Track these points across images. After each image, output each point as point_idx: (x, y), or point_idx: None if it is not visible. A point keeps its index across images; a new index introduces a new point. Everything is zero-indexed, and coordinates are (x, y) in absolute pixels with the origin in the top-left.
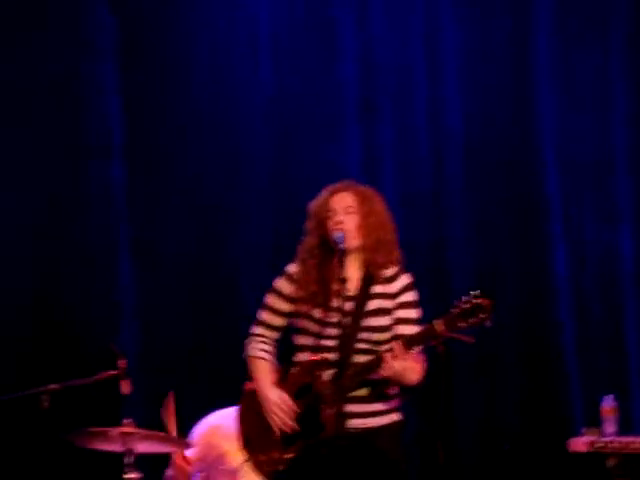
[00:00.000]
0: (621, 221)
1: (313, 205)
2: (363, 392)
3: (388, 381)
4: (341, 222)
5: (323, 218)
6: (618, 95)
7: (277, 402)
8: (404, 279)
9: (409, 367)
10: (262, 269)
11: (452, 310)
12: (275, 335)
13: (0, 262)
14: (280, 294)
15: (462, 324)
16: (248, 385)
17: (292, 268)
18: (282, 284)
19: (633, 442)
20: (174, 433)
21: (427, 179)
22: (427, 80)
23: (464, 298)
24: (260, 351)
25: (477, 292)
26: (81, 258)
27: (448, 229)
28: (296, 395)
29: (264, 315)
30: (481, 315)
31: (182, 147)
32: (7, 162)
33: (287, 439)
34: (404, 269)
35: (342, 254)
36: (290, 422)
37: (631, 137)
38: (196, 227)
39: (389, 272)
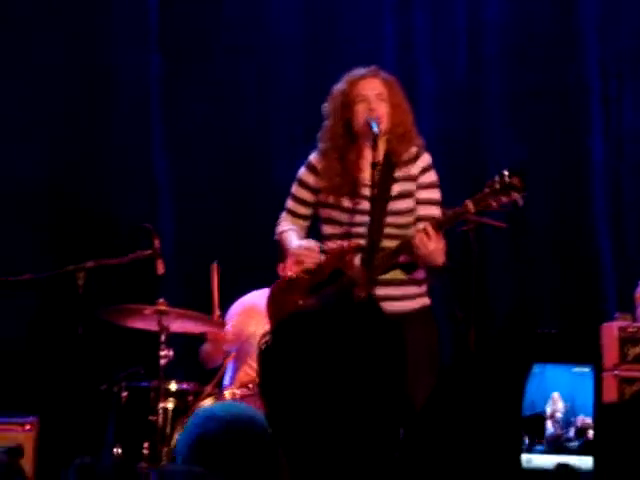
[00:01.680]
0: None
1: (338, 90)
2: (397, 274)
3: (415, 264)
4: (375, 109)
5: (350, 102)
6: None
7: (303, 245)
8: (424, 159)
9: (440, 248)
10: (295, 154)
11: (484, 189)
12: (302, 222)
13: (46, 143)
14: (303, 184)
15: (494, 203)
16: (283, 270)
17: (314, 158)
18: (305, 174)
19: None
20: (216, 302)
21: (463, 70)
22: None
23: (496, 177)
24: (284, 227)
25: (508, 171)
26: (117, 143)
27: (484, 119)
28: (328, 280)
29: (289, 204)
30: (514, 193)
31: (217, 39)
32: (39, 48)
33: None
34: (424, 149)
35: (375, 139)
36: (319, 258)
37: None
38: (229, 116)
39: (408, 155)
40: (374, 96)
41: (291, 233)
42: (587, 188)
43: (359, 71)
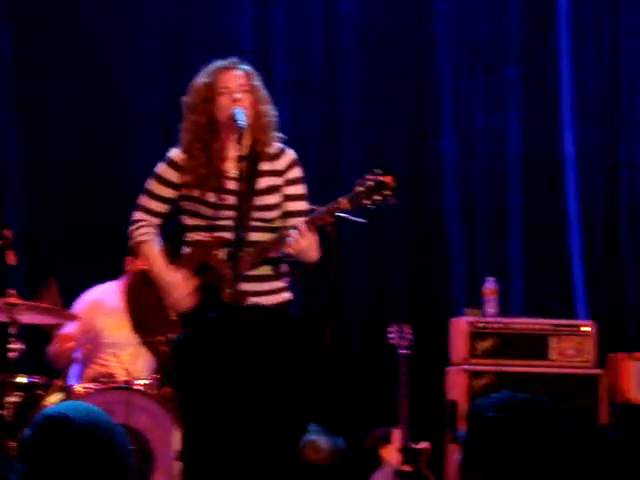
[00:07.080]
0: (509, 106)
1: (199, 83)
2: (266, 269)
3: (282, 259)
4: (240, 100)
5: (213, 95)
6: None
7: (175, 283)
8: (289, 155)
9: (313, 244)
10: (152, 143)
11: (356, 188)
12: (156, 220)
13: None
14: (162, 180)
15: (367, 201)
16: (132, 263)
17: (175, 153)
18: (164, 170)
19: (512, 323)
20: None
21: (318, 60)
22: None
23: (368, 176)
24: (144, 235)
25: (380, 170)
26: None
27: (339, 110)
28: (193, 274)
29: (145, 201)
30: (385, 192)
31: (72, 24)
32: None
33: (185, 319)
34: (286, 145)
35: (241, 131)
36: (189, 302)
37: (525, 21)
38: (84, 98)
39: (273, 149)
40: (237, 87)
41: (153, 247)
42: (439, 185)
43: (220, 63)
